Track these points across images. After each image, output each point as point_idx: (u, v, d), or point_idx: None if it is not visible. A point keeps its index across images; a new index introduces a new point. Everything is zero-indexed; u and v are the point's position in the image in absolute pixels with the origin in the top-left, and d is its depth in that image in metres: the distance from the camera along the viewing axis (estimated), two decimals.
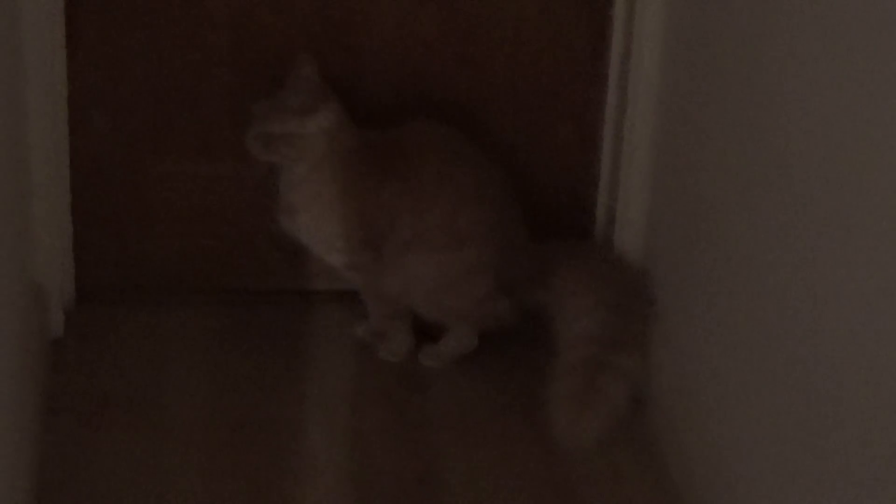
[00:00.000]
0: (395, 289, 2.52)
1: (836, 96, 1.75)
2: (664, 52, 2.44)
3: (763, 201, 1.98)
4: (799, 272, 1.86)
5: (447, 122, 2.55)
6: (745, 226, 2.06)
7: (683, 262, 2.36)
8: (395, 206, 2.48)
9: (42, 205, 2.48)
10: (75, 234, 2.61)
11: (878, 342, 1.63)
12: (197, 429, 2.38)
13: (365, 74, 2.60)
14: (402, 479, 2.31)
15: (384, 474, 2.32)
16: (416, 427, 2.43)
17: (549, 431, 2.35)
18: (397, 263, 2.49)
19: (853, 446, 1.70)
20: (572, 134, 2.67)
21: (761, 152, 2.00)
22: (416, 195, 2.47)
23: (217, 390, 2.48)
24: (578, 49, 2.61)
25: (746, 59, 2.07)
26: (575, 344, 2.42)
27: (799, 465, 1.85)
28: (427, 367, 2.56)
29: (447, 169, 2.49)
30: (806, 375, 1.83)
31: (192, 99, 2.59)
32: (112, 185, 2.63)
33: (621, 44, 2.56)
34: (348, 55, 2.58)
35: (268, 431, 2.39)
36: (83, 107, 2.55)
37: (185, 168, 2.63)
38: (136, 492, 2.23)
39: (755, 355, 2.01)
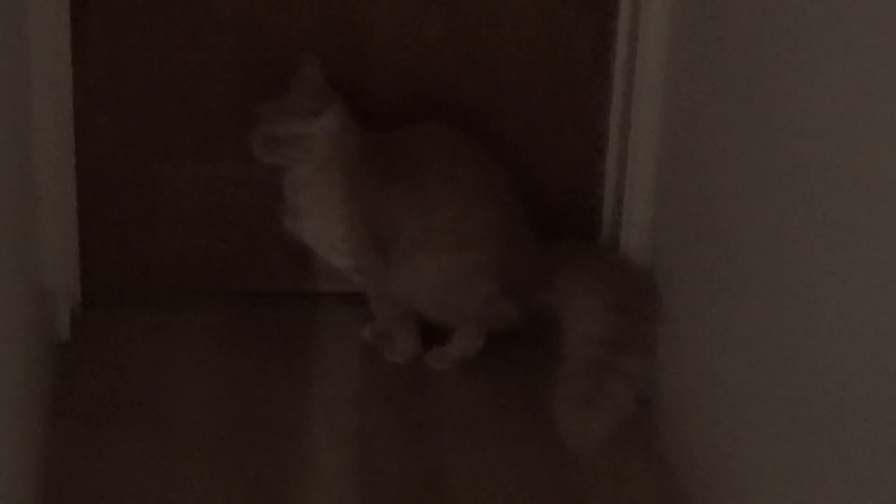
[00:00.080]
0: (401, 290, 2.52)
1: (842, 98, 1.74)
2: (669, 54, 2.44)
3: (768, 202, 1.98)
4: (804, 273, 1.85)
5: (452, 124, 2.55)
6: (750, 227, 2.05)
7: (689, 263, 2.36)
8: (399, 208, 2.47)
9: (47, 208, 2.48)
10: (80, 238, 2.61)
11: (887, 338, 1.63)
12: (202, 431, 2.38)
13: (369, 76, 2.60)
14: (406, 481, 2.31)
15: (389, 475, 2.32)
16: (420, 428, 2.43)
17: (555, 433, 2.35)
18: (402, 265, 2.49)
19: (860, 448, 1.69)
20: (578, 135, 2.67)
21: (767, 154, 1.99)
22: (421, 197, 2.47)
23: (222, 392, 2.48)
24: (583, 50, 2.61)
25: (751, 60, 2.06)
26: (580, 345, 2.42)
27: (806, 467, 1.84)
28: (432, 369, 2.56)
29: (452, 170, 2.48)
30: (812, 377, 1.82)
31: (196, 101, 2.59)
32: (117, 188, 2.63)
33: (626, 45, 2.55)
34: (353, 56, 2.58)
35: (273, 433, 2.39)
36: (88, 110, 2.55)
37: (190, 170, 2.63)
38: (142, 493, 2.24)
39: (761, 356, 2.00)
